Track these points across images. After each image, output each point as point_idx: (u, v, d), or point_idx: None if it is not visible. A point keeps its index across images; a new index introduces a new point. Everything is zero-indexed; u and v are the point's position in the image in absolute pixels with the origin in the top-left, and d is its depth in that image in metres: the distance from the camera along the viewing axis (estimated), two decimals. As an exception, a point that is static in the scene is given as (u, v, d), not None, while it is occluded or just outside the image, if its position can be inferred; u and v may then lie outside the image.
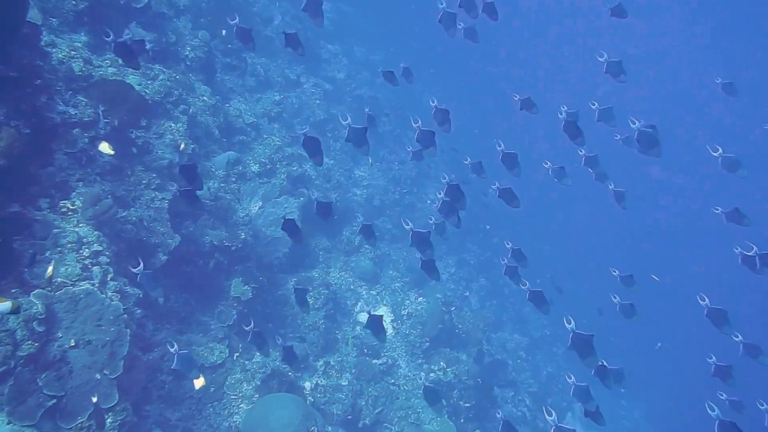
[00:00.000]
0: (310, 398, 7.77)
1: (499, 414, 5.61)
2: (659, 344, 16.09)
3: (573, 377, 5.22)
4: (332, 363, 8.50)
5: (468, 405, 8.47)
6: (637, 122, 5.97)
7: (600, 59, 6.62)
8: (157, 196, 6.70)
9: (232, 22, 6.29)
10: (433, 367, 9.14)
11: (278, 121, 11.48)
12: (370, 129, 6.32)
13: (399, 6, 25.49)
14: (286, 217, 5.95)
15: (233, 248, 7.71)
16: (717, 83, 7.45)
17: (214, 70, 9.93)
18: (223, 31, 10.35)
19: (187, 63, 9.25)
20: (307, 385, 8.04)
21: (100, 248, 5.50)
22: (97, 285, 5.28)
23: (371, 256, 11.03)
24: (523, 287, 6.38)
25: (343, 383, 8.20)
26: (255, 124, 10.34)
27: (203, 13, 10.70)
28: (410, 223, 5.82)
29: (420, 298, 10.38)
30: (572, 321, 4.95)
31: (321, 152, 6.09)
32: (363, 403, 8.15)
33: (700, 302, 5.84)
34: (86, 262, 5.36)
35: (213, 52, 10.03)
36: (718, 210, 6.14)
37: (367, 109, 6.67)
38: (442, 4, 7.31)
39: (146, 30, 8.49)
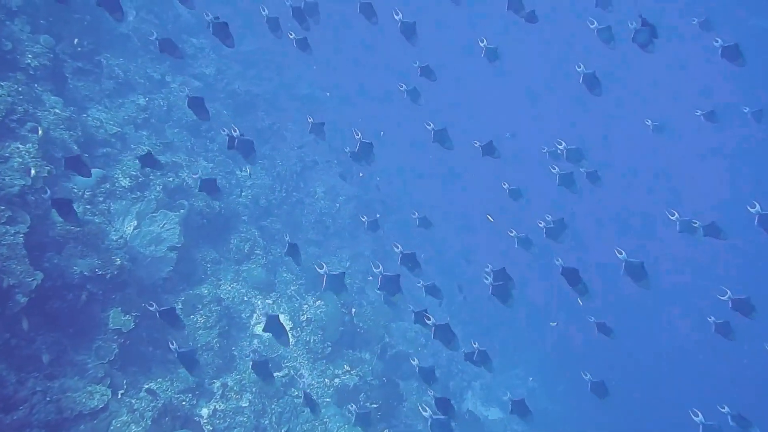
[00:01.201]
0: (208, 427, 7.35)
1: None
2: (554, 323, 17.39)
3: None
4: (230, 384, 8.10)
5: (375, 405, 8.51)
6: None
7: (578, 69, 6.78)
8: (10, 231, 5.87)
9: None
10: (336, 371, 9.06)
11: (146, 127, 10.60)
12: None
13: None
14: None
15: (108, 276, 7.00)
16: (698, 115, 7.62)
17: (64, 78, 8.89)
18: (76, 40, 9.29)
19: (30, 72, 8.17)
20: (205, 412, 7.60)
21: (-58, 304, 4.70)
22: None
23: (263, 263, 10.64)
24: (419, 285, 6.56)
25: (243, 404, 7.86)
26: (120, 134, 9.45)
27: (41, 13, 9.50)
28: (380, 266, 5.81)
29: (318, 302, 10.21)
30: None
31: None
32: (267, 422, 7.88)
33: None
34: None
35: (60, 57, 8.97)
36: (696, 223, 6.25)
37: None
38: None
39: (-26, 37, 7.36)
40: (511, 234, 6.90)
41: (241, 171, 13.97)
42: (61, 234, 6.81)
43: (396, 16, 6.79)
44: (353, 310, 10.11)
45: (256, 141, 14.77)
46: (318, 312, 9.98)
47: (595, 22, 6.33)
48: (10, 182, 6.37)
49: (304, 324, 9.79)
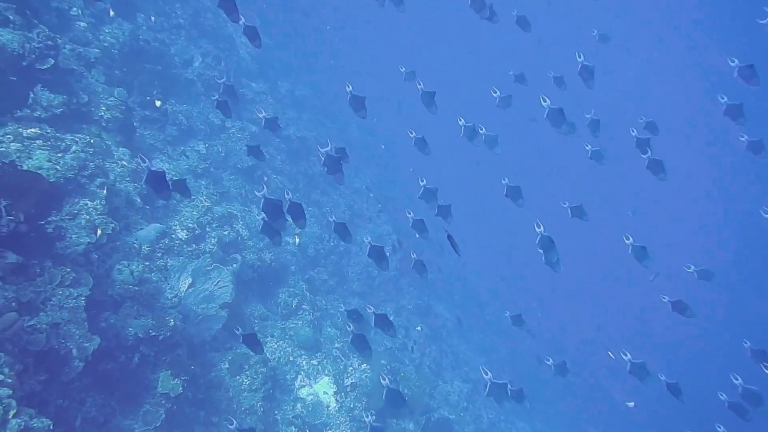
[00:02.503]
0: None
1: None
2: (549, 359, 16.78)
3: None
4: (274, 452, 7.84)
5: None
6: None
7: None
8: (73, 294, 5.85)
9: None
10: (381, 444, 8.66)
11: (205, 176, 10.71)
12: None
13: (315, 35, 25.25)
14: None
15: (161, 337, 6.91)
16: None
17: (132, 128, 9.07)
18: (158, 102, 9.56)
19: (102, 124, 8.36)
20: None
21: (1, 376, 4.63)
22: (-1, 425, 4.43)
23: (309, 319, 10.46)
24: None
25: (286, 476, 7.57)
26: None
27: (117, 63, 9.82)
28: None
29: (363, 365, 9.91)
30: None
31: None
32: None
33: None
34: (-16, 398, 4.49)
35: (131, 108, 9.17)
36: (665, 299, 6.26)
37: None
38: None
39: (54, 92, 7.56)
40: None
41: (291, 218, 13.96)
42: (119, 293, 6.79)
43: (419, 86, 7.28)
44: (400, 375, 9.75)
45: (308, 186, 14.84)
46: (363, 377, 9.67)
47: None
48: (76, 240, 6.39)
49: (348, 389, 9.48)
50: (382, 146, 20.59)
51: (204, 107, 13.25)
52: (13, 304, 5.19)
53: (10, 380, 4.67)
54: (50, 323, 5.52)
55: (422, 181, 7.23)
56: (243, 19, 6.16)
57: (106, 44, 9.90)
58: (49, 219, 6.09)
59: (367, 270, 15.11)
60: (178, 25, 13.85)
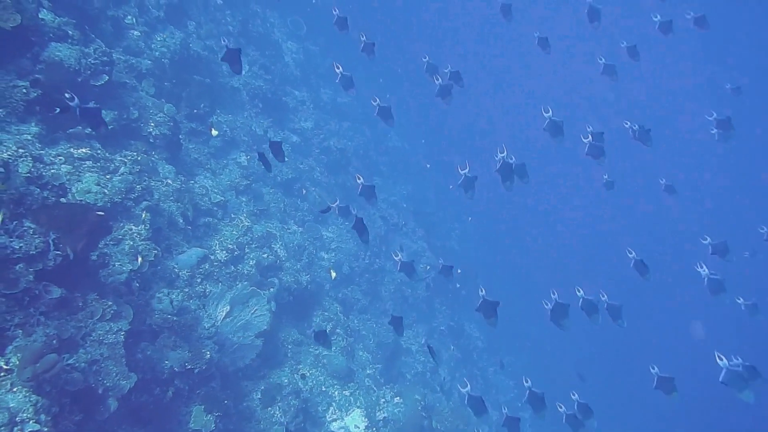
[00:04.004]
0: None
1: None
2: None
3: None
4: (302, 490, 7.61)
5: None
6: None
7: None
8: (113, 328, 5.68)
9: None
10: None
11: (246, 193, 10.53)
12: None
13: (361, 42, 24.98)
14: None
15: (196, 371, 6.73)
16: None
17: (179, 145, 8.93)
18: (214, 131, 9.48)
19: (150, 141, 8.23)
20: None
21: (37, 426, 4.47)
22: (34, 478, 4.26)
23: (343, 345, 10.20)
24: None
25: None
26: (222, 203, 9.37)
27: (167, 74, 9.70)
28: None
29: (397, 398, 9.61)
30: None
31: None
32: None
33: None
34: (20, 447, 4.33)
35: (178, 123, 9.03)
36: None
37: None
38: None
39: (106, 107, 7.46)
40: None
41: (326, 233, 13.79)
42: (157, 322, 6.63)
43: (436, 81, 7.23)
44: (433, 415, 9.41)
45: (346, 200, 14.91)
46: (396, 411, 9.38)
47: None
48: (119, 268, 6.25)
49: (380, 424, 9.20)
50: (428, 165, 20.19)
51: (248, 116, 13.13)
52: (54, 341, 5.04)
53: (46, 429, 4.51)
54: (89, 360, 5.36)
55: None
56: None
57: (157, 53, 9.81)
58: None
59: (401, 289, 14.84)
60: (227, 32, 13.74)
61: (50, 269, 5.09)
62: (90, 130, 6.78)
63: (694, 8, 8.01)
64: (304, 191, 13.75)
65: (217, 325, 7.52)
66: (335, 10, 7.50)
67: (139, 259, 6.39)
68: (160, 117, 8.40)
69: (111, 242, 6.40)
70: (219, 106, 11.66)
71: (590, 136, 6.64)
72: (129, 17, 9.71)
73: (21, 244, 4.84)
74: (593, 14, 7.94)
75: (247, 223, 9.44)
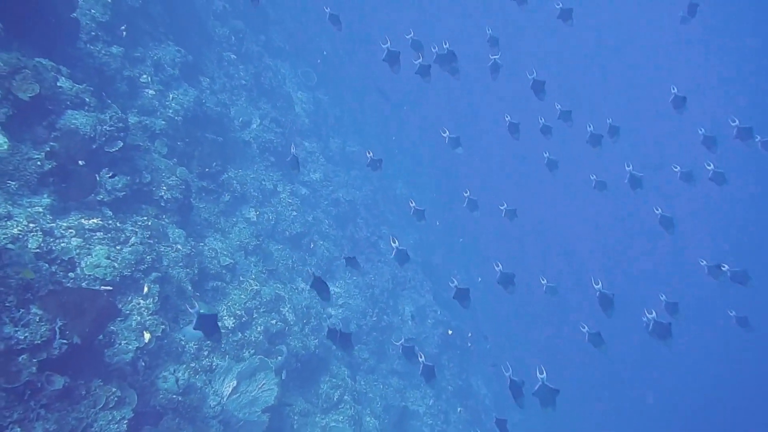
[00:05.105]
0: None
1: None
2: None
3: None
4: None
5: None
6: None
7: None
8: (115, 417, 5.39)
9: None
10: None
11: (256, 253, 10.34)
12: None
13: (371, 92, 25.31)
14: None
15: (201, 454, 6.39)
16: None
17: (190, 207, 8.78)
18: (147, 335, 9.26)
19: (162, 204, 8.09)
20: None
21: None
22: None
23: (351, 414, 9.82)
24: None
25: None
26: (231, 266, 9.17)
27: (180, 133, 9.64)
28: None
29: (406, 477, 9.19)
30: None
31: None
32: None
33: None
34: None
35: (190, 186, 8.91)
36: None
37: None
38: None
39: (119, 171, 7.33)
40: None
41: (334, 287, 13.56)
42: (162, 403, 6.33)
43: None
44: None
45: (353, 251, 14.61)
46: (405, 490, 8.93)
47: None
48: (125, 347, 6.00)
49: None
50: (438, 223, 20.08)
51: (258, 170, 13.05)
52: (55, 435, 4.76)
53: None
54: (91, 454, 5.06)
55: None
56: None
57: (170, 112, 9.76)
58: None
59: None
60: (240, 85, 13.81)
61: (54, 358, 4.85)
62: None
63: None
64: (312, 245, 13.58)
65: (223, 403, 7.19)
66: (327, 8, 7.36)
67: (146, 335, 6.14)
68: (172, 180, 8.28)
69: (118, 319, 6.16)
70: (230, 162, 11.59)
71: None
72: (144, 76, 9.72)
73: (26, 334, 4.62)
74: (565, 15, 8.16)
75: (255, 287, 9.21)
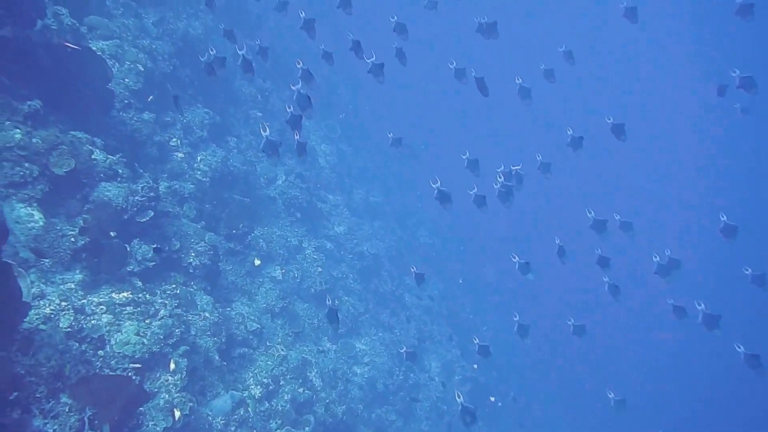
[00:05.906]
0: None
1: None
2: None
3: None
4: None
5: None
6: None
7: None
8: None
9: None
10: None
11: (282, 315, 10.18)
12: None
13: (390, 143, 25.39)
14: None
15: None
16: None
17: (218, 273, 8.71)
18: (257, 261, 9.36)
19: (191, 271, 8.03)
20: None
21: None
22: None
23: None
24: None
25: None
26: (258, 331, 9.00)
27: (207, 196, 9.68)
28: None
29: None
30: None
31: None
32: None
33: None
34: None
35: (218, 252, 8.86)
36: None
37: None
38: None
39: (149, 240, 7.31)
40: None
41: (359, 344, 13.28)
42: (189, 487, 6.08)
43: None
44: None
45: (378, 306, 14.40)
46: None
47: None
48: (153, 429, 5.80)
49: None
50: (461, 281, 19.83)
51: (283, 225, 13.02)
52: None
53: None
54: None
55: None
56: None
57: (199, 174, 9.83)
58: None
59: (437, 405, 14.02)
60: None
61: (83, 448, 4.68)
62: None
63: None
64: (337, 302, 13.38)
65: (250, 483, 6.91)
66: (302, 13, 7.21)
67: (176, 413, 5.95)
68: (201, 246, 8.24)
69: (146, 397, 6.00)
70: (257, 221, 11.58)
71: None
72: (174, 140, 9.85)
73: (55, 427, 4.47)
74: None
75: (282, 352, 9.02)
